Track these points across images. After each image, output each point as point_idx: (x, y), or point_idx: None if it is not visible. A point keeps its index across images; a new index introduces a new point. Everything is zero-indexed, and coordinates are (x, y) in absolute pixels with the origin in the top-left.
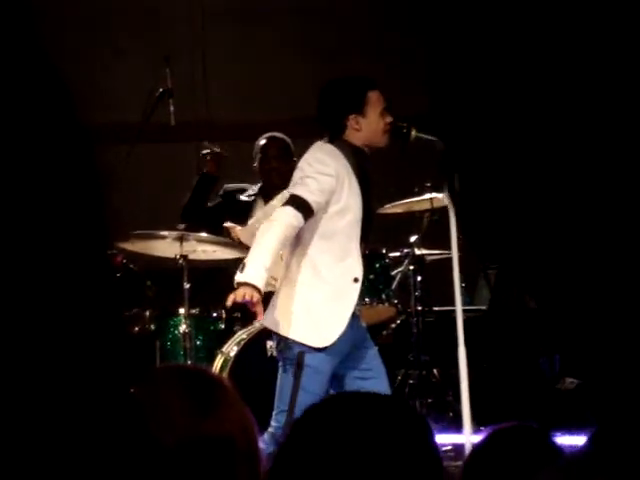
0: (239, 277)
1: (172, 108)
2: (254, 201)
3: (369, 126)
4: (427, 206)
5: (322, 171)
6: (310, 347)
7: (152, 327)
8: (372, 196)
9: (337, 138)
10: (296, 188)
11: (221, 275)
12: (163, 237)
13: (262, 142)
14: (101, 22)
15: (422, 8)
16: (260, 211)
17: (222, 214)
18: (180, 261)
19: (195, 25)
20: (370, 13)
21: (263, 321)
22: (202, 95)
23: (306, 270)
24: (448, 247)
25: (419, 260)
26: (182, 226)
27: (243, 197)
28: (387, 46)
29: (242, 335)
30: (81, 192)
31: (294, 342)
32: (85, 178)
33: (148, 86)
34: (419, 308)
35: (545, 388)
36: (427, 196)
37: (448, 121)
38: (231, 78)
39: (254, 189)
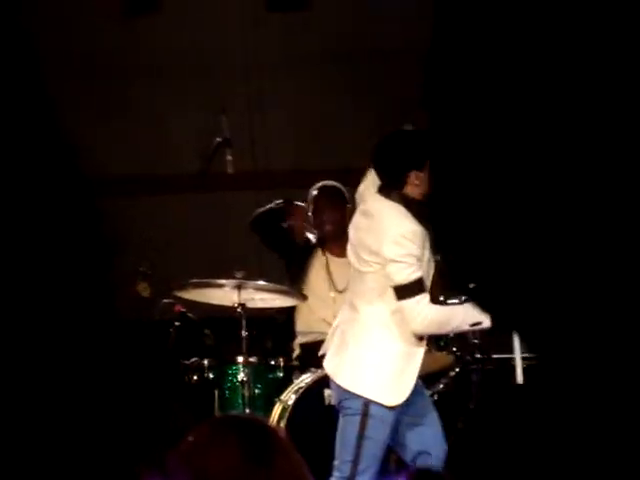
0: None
1: (229, 157)
2: (313, 250)
3: (425, 182)
4: None
5: (416, 243)
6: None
7: (211, 376)
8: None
9: (397, 192)
10: (407, 271)
11: (279, 323)
12: (221, 285)
13: (313, 193)
14: (159, 74)
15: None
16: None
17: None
18: (238, 309)
19: (251, 75)
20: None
21: (328, 371)
22: (259, 144)
23: (379, 328)
24: None
25: None
26: (240, 274)
27: (309, 237)
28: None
29: (300, 383)
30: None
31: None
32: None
33: (207, 137)
34: (478, 356)
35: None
36: None
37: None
38: (286, 127)
39: (313, 237)
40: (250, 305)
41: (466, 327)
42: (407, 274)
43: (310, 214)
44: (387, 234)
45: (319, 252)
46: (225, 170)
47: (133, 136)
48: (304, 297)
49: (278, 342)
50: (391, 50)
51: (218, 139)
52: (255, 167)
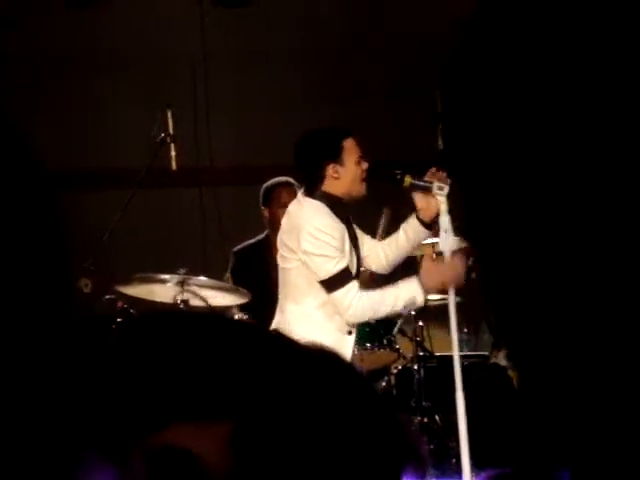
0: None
1: (173, 153)
2: (263, 248)
3: (347, 174)
4: (429, 251)
5: (335, 236)
6: None
7: None
8: (358, 247)
9: (317, 189)
10: (330, 264)
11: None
12: (164, 281)
13: (272, 187)
14: (104, 68)
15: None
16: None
17: (244, 275)
18: (181, 306)
19: (197, 71)
20: (371, 56)
21: None
22: (204, 141)
23: (303, 324)
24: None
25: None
26: (183, 270)
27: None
28: (395, 88)
29: None
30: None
31: None
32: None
33: (150, 133)
34: (420, 354)
35: (548, 434)
36: (429, 241)
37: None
38: (232, 124)
39: (259, 238)
40: (193, 303)
41: (401, 307)
42: (331, 266)
43: (264, 208)
44: (303, 228)
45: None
46: (169, 166)
47: (76, 130)
48: (248, 295)
49: None
50: (337, 48)
51: (162, 134)
52: (198, 164)
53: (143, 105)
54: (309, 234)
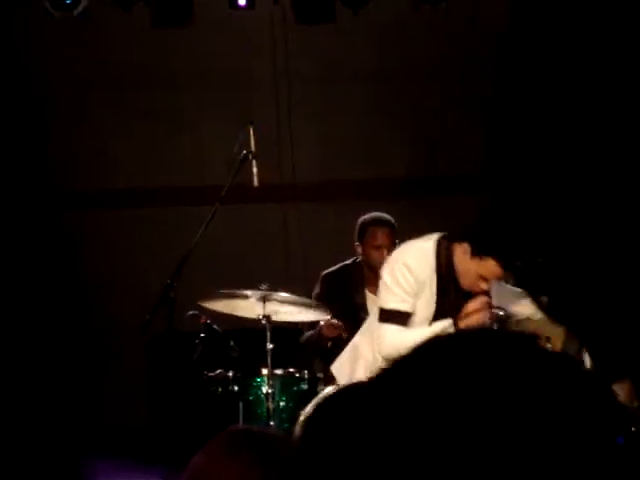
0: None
1: (255, 170)
2: (350, 273)
3: (477, 270)
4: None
5: (414, 279)
6: None
7: (235, 388)
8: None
9: (453, 244)
10: (394, 298)
11: (303, 335)
12: (246, 296)
13: (368, 224)
14: (187, 86)
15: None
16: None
17: (329, 298)
18: (263, 321)
19: (280, 88)
20: (443, 79)
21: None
22: (286, 157)
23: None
24: None
25: None
26: (265, 286)
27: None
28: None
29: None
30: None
31: None
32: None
33: (233, 149)
34: None
35: None
36: None
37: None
38: (313, 141)
39: (347, 263)
40: (275, 318)
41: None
42: (392, 301)
43: (358, 244)
44: (393, 260)
45: (360, 286)
46: (251, 182)
47: (160, 147)
48: (329, 312)
49: (303, 354)
50: (422, 68)
51: (244, 151)
52: (281, 180)
53: (226, 122)
54: (395, 267)
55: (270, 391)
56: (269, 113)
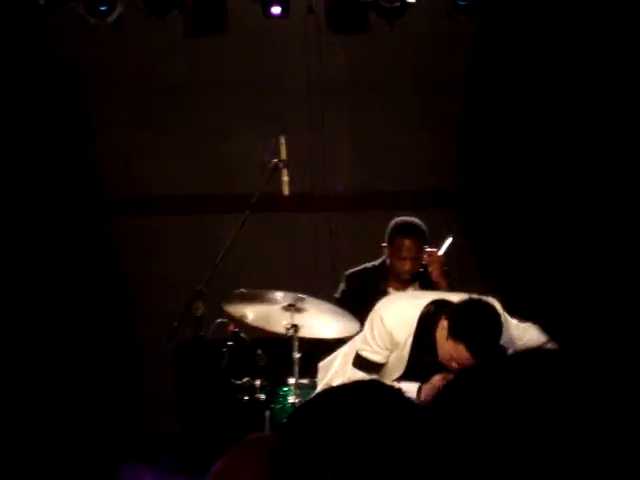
0: None
1: (286, 178)
2: (376, 274)
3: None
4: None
5: (388, 339)
6: None
7: (262, 396)
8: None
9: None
10: (366, 347)
11: (331, 344)
12: (274, 301)
13: (396, 232)
14: (221, 93)
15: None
16: None
17: (352, 298)
18: (291, 331)
19: (312, 97)
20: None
21: None
22: (318, 167)
23: None
24: None
25: None
26: (294, 294)
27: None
28: None
29: None
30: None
31: None
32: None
33: (264, 158)
34: None
35: None
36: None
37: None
38: (347, 150)
39: (375, 263)
40: (302, 327)
41: None
42: (365, 350)
43: (386, 247)
44: (376, 311)
45: (384, 285)
46: (281, 191)
47: (191, 155)
48: (358, 324)
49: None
50: (457, 79)
51: (275, 160)
52: (312, 189)
53: (258, 131)
54: (374, 321)
55: (297, 400)
56: (301, 122)
